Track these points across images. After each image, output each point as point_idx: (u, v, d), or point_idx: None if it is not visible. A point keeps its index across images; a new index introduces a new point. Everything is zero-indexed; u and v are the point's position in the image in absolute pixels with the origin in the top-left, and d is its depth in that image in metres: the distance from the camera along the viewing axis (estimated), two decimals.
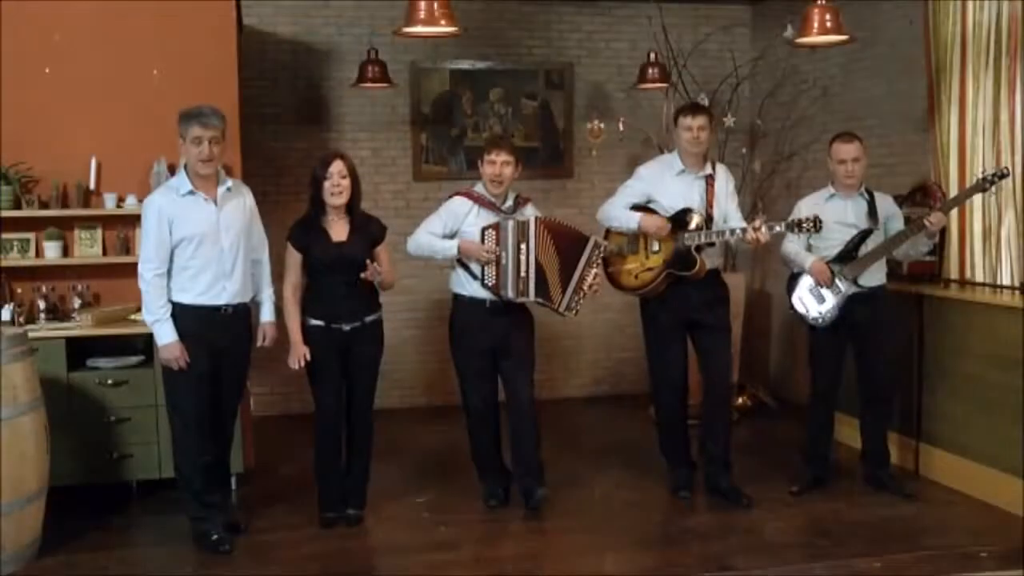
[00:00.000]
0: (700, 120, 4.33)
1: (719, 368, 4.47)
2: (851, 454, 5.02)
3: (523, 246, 4.11)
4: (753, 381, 6.60)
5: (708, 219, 4.32)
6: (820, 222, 4.20)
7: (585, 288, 4.21)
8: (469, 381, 4.35)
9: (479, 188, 4.29)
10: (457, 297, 4.33)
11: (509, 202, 4.28)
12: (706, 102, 5.93)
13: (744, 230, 4.21)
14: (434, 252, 4.25)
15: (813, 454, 4.71)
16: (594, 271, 4.21)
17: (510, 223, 4.13)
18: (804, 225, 4.20)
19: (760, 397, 6.46)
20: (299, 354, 4.09)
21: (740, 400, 6.22)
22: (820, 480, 4.70)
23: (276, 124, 6.28)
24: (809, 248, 4.56)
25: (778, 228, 4.23)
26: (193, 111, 3.85)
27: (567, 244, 4.19)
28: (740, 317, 5.97)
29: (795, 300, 4.58)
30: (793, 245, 4.55)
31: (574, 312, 4.23)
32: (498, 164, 4.19)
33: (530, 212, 4.31)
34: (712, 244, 4.34)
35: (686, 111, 4.38)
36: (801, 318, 4.58)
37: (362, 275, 4.04)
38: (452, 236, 4.25)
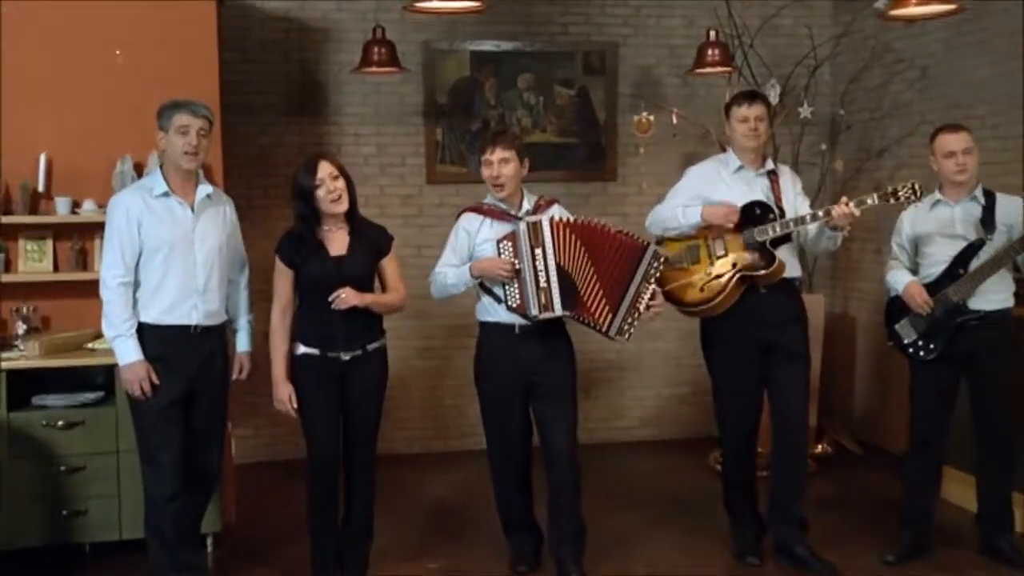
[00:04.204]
0: (757, 109, 4.38)
1: (793, 405, 4.41)
2: (963, 516, 4.88)
3: (538, 251, 4.08)
4: (834, 423, 6.50)
5: (781, 214, 4.35)
6: (921, 189, 4.16)
7: (640, 308, 4.11)
8: (495, 420, 4.33)
9: (489, 198, 4.32)
10: (484, 326, 4.32)
11: (527, 206, 4.26)
12: (777, 90, 5.91)
13: (828, 210, 4.20)
14: (453, 287, 4.26)
15: (913, 514, 4.59)
16: (652, 287, 4.13)
17: (522, 226, 4.11)
18: (902, 193, 4.16)
19: (843, 443, 6.37)
20: (284, 394, 4.06)
21: (819, 447, 6.13)
22: (922, 547, 4.58)
23: (264, 115, 6.25)
24: (916, 267, 4.51)
25: (870, 201, 4.20)
26: (179, 100, 3.94)
27: (608, 251, 4.13)
28: (819, 346, 5.90)
29: (896, 328, 4.50)
30: (895, 266, 4.53)
31: (627, 336, 4.13)
32: (495, 164, 4.18)
33: (556, 215, 4.27)
34: (788, 238, 4.33)
35: (740, 99, 4.44)
36: (903, 350, 4.50)
37: (326, 300, 3.97)
38: (470, 260, 4.27)
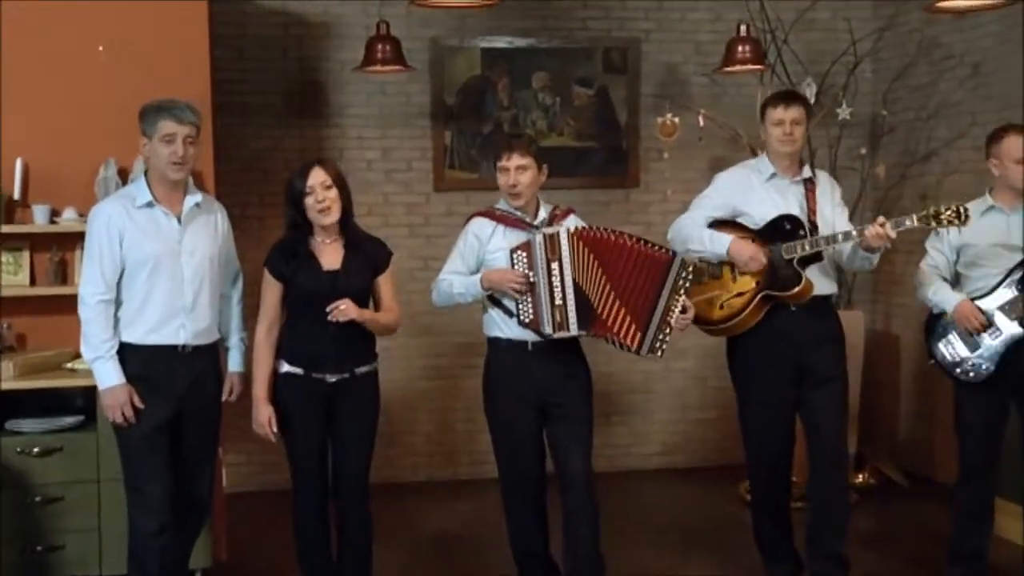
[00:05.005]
0: (794, 111, 4.33)
1: (831, 432, 4.37)
2: (1018, 553, 4.85)
3: (554, 265, 4.07)
4: (876, 451, 6.46)
5: (812, 229, 4.32)
6: (967, 212, 4.09)
7: (672, 321, 4.09)
8: (506, 445, 4.30)
9: (501, 204, 4.31)
10: (493, 342, 4.29)
11: (542, 215, 4.27)
12: (813, 89, 5.88)
13: (860, 230, 4.18)
14: (460, 296, 4.24)
15: (963, 551, 4.53)
16: (682, 299, 4.11)
17: (538, 237, 4.11)
18: (944, 217, 4.09)
19: (886, 472, 6.31)
20: (264, 417, 4.05)
21: (860, 477, 6.10)
22: None
23: (260, 117, 6.26)
24: (957, 278, 4.45)
25: (909, 223, 4.14)
26: (164, 103, 3.90)
27: (632, 264, 4.11)
28: (859, 367, 5.87)
29: (940, 347, 4.44)
30: (932, 279, 4.46)
31: (659, 353, 4.12)
32: (512, 171, 4.17)
33: (573, 227, 4.27)
34: (819, 256, 4.30)
35: (776, 100, 4.40)
36: (947, 371, 4.44)
37: (329, 314, 3.95)
38: (479, 268, 4.27)
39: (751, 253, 4.26)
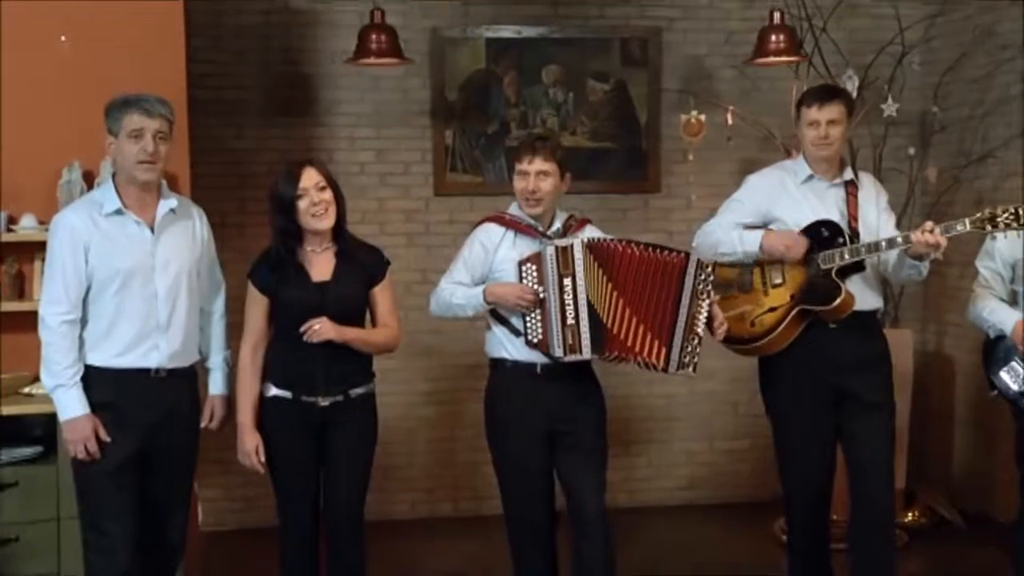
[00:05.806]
0: (830, 111, 4.33)
1: (875, 466, 4.38)
2: None
3: (567, 281, 4.06)
4: (928, 487, 6.44)
5: (853, 236, 4.32)
6: None
7: (699, 331, 4.03)
8: (512, 478, 4.30)
9: (514, 209, 4.31)
10: (497, 364, 4.28)
11: (556, 225, 4.26)
12: (855, 82, 5.87)
13: (907, 236, 4.15)
14: (460, 308, 4.24)
15: None
16: (707, 302, 4.05)
17: (549, 250, 4.10)
18: (1001, 220, 4.05)
19: (939, 510, 6.26)
20: (251, 446, 4.05)
21: (910, 515, 6.09)
22: None
23: (240, 116, 6.25)
24: (1014, 298, 4.43)
25: (960, 227, 4.11)
26: (131, 96, 3.89)
27: (646, 273, 4.08)
28: (908, 392, 5.86)
29: (1002, 375, 4.41)
30: (987, 297, 4.45)
31: (691, 368, 4.06)
32: (531, 176, 4.15)
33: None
34: (860, 266, 4.29)
35: (810, 98, 4.40)
36: (1011, 401, 4.41)
37: (303, 333, 3.96)
38: (485, 280, 4.26)
39: (787, 240, 4.28)
